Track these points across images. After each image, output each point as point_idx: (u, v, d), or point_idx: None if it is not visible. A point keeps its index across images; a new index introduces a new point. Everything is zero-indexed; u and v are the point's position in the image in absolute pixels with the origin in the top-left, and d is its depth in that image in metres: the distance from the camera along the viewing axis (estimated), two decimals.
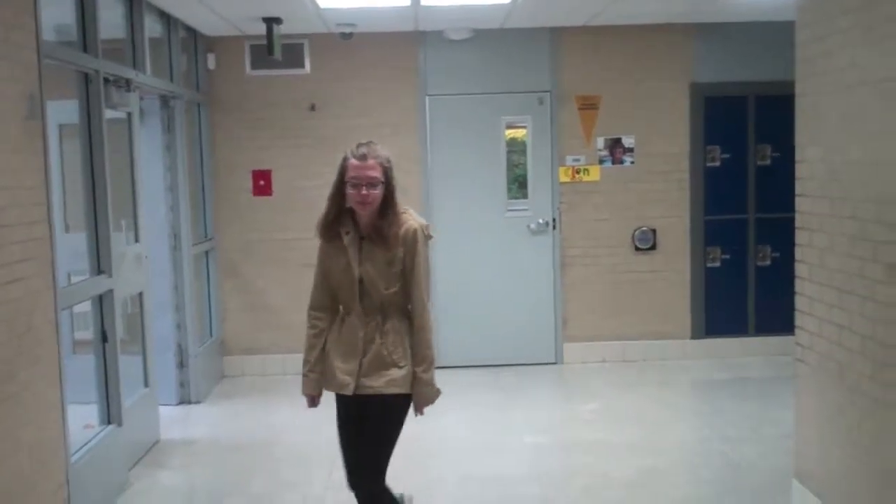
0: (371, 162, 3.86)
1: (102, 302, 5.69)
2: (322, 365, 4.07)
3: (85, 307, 5.85)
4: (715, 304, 8.81)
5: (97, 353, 5.72)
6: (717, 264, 8.80)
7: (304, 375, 4.11)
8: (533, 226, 8.76)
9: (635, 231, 8.75)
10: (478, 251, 8.76)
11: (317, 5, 7.06)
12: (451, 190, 8.71)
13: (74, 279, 6.00)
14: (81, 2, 5.52)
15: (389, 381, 3.93)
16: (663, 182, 8.72)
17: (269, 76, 8.51)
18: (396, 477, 4.13)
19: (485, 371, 8.60)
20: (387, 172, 3.91)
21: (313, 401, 4.14)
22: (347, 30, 8.08)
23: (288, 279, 8.49)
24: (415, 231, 3.92)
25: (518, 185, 8.94)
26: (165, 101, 7.42)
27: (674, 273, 8.80)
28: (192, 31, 8.03)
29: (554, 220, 8.74)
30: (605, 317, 8.82)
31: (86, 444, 5.35)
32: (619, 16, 8.00)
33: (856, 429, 4.38)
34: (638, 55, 8.60)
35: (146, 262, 6.66)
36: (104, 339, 5.69)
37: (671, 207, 8.74)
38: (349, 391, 3.96)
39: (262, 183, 8.59)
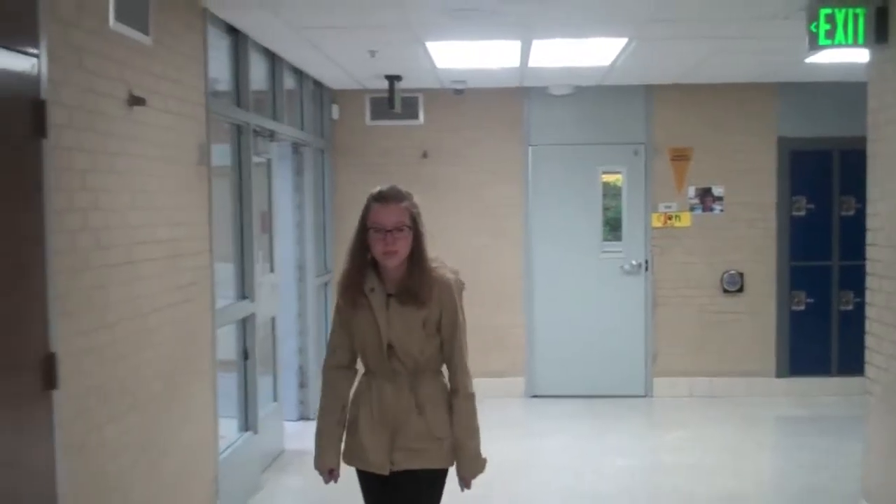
0: (396, 205, 3.47)
1: (245, 324, 6.51)
2: (339, 434, 3.62)
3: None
4: (799, 345, 9.28)
5: (239, 369, 6.52)
6: (802, 308, 9.28)
7: (319, 447, 3.64)
8: (626, 267, 9.38)
9: (724, 274, 9.30)
10: (574, 289, 9.40)
11: (434, 66, 7.85)
12: (550, 232, 9.39)
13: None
14: (237, 63, 6.39)
15: (431, 456, 3.55)
16: (751, 229, 9.27)
17: (386, 126, 9.34)
18: (498, 491, 4.74)
19: (579, 401, 9.20)
20: (415, 218, 3.49)
21: (331, 474, 3.68)
22: (459, 86, 8.86)
23: None
24: (451, 285, 3.52)
25: (610, 227, 9.57)
26: (296, 147, 8.28)
27: (760, 315, 9.31)
28: (319, 85, 8.90)
29: (646, 261, 9.34)
30: (694, 354, 9.36)
31: (229, 447, 6.13)
32: (708, 75, 8.61)
33: None
34: (727, 111, 9.20)
35: (278, 291, 7.47)
36: (245, 356, 6.50)
37: (758, 253, 9.27)
38: (384, 470, 3.53)
39: None
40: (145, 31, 4.59)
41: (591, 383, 9.40)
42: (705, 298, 9.37)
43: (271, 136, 6.91)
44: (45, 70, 3.58)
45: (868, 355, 5.50)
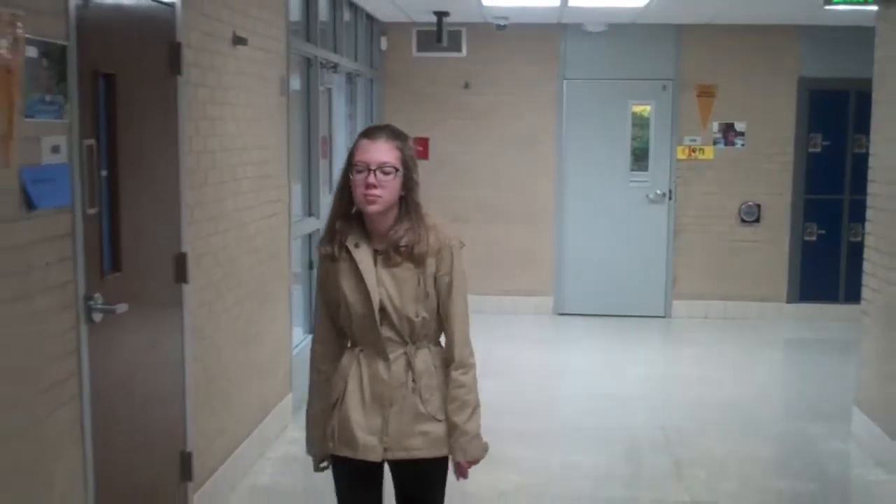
0: (386, 142, 2.98)
1: (311, 238, 7.28)
2: (331, 419, 3.12)
3: None
4: (809, 273, 10.01)
5: (303, 279, 7.31)
6: (814, 238, 10.00)
7: (307, 434, 3.26)
8: (651, 196, 10.08)
9: (742, 205, 10.00)
10: (602, 215, 10.12)
11: (480, 3, 8.49)
12: (581, 161, 10.08)
13: None
14: (307, 1, 7.06)
15: (430, 440, 3.08)
16: (769, 163, 9.94)
17: (431, 58, 10.00)
18: (528, 393, 5.49)
19: (602, 319, 9.98)
20: (407, 162, 3.01)
21: (323, 462, 3.25)
22: (502, 22, 9.48)
23: None
24: (449, 237, 3.09)
25: (636, 157, 10.26)
26: (350, 77, 8.96)
27: (774, 244, 10.03)
28: (370, 18, 9.55)
29: (670, 191, 10.05)
30: (711, 279, 10.10)
31: (297, 346, 6.94)
32: (735, 17, 9.21)
33: None
34: (752, 51, 9.81)
35: None
36: (311, 266, 7.29)
37: (775, 186, 9.96)
38: (376, 456, 3.07)
39: (421, 148, 10.09)
40: None
41: (615, 303, 10.17)
42: (724, 227, 10.08)
43: (335, 67, 7.60)
44: (179, 17, 4.30)
45: (865, 279, 6.23)
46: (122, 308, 3.57)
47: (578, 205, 10.13)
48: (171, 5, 4.26)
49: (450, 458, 3.13)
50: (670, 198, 10.07)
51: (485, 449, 3.15)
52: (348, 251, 3.03)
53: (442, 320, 3.11)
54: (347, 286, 3.03)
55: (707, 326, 9.83)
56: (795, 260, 10.03)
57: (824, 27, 9.56)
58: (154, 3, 4.13)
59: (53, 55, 3.18)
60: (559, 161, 10.09)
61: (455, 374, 3.08)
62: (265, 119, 5.81)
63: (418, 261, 3.02)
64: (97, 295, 3.49)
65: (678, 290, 10.17)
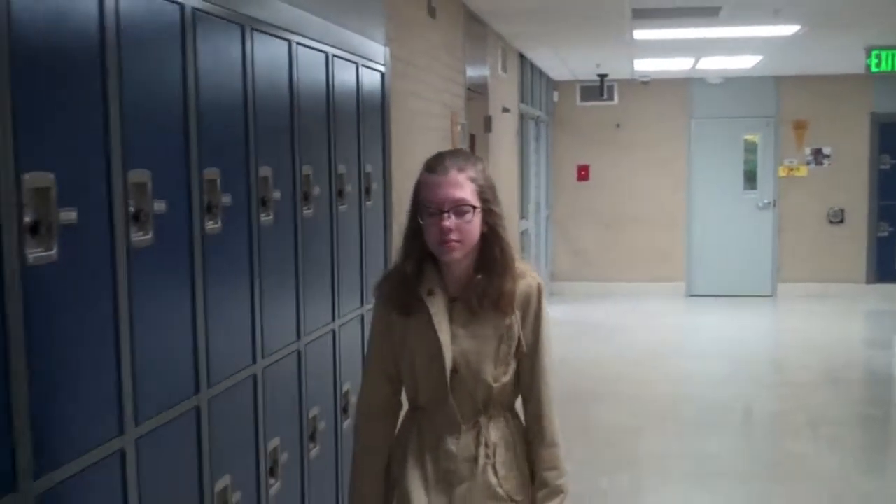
0: (455, 175, 2.47)
1: (523, 235, 10.80)
2: (381, 494, 2.66)
3: None
4: (883, 260, 13.09)
5: None
6: (886, 234, 13.10)
7: None
8: (760, 205, 13.34)
9: (829, 210, 13.17)
10: (721, 220, 13.40)
11: (633, 68, 11.94)
12: (706, 179, 13.41)
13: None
14: (522, 76, 10.61)
15: None
16: (850, 177, 13.10)
17: (591, 106, 13.49)
18: (670, 342, 8.83)
19: (724, 299, 13.21)
20: (483, 192, 2.51)
21: None
22: (645, 79, 12.93)
23: (595, 232, 13.47)
24: (539, 288, 2.59)
25: (747, 176, 13.49)
26: (536, 121, 12.50)
27: (855, 239, 13.16)
28: (547, 78, 13.09)
29: (774, 201, 13.29)
30: (807, 266, 13.26)
31: None
32: (821, 69, 12.44)
33: None
34: (834, 93, 13.01)
35: (531, 217, 11.78)
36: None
37: (854, 194, 13.11)
38: None
39: (583, 173, 13.58)
40: (505, 71, 8.89)
41: (733, 286, 13.38)
42: (816, 227, 13.26)
43: (536, 119, 11.16)
44: (489, 99, 7.89)
45: None
46: None
47: (704, 212, 13.46)
48: (486, 94, 7.86)
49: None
50: (774, 206, 13.30)
51: None
52: (420, 300, 2.57)
53: (523, 386, 2.62)
54: (416, 341, 2.58)
55: (804, 301, 12.97)
56: (872, 251, 13.14)
57: (889, 75, 12.68)
58: (475, 93, 7.72)
59: (464, 128, 6.79)
60: (688, 179, 13.45)
61: (545, 452, 2.60)
62: (511, 158, 9.38)
63: (503, 313, 2.55)
64: None
65: (782, 276, 13.37)
